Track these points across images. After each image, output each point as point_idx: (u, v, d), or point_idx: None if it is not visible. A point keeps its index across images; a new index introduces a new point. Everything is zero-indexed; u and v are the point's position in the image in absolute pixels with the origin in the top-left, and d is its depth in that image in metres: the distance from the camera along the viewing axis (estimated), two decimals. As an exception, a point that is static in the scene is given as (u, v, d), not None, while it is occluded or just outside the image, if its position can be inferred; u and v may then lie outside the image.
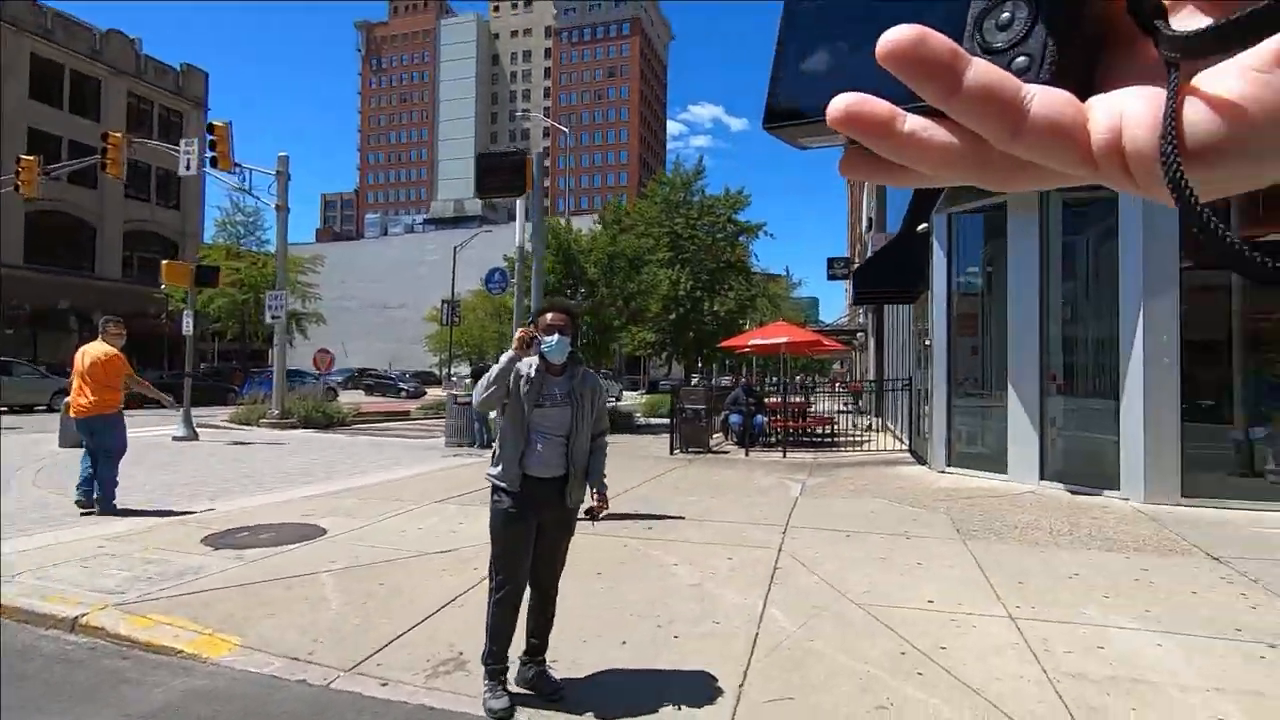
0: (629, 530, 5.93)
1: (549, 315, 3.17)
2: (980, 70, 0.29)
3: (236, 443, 12.88)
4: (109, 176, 18.33)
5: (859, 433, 15.20)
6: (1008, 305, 8.16)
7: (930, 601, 4.23)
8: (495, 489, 3.06)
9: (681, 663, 3.37)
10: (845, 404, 26.05)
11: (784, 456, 11.52)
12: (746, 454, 11.82)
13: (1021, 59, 0.30)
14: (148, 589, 4.27)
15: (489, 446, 13.22)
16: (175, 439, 12.73)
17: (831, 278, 31.87)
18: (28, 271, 30.67)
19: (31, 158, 18.66)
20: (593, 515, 3.26)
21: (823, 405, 18.10)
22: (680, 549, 5.36)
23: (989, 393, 8.85)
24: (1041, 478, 7.81)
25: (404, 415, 22.08)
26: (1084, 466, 7.68)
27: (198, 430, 13.27)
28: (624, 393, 36.09)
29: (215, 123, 16.73)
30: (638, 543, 5.53)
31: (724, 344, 17.03)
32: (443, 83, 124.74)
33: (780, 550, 5.33)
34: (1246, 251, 0.27)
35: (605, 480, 3.29)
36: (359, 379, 39.01)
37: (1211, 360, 7.31)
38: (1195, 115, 0.27)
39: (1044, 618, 3.93)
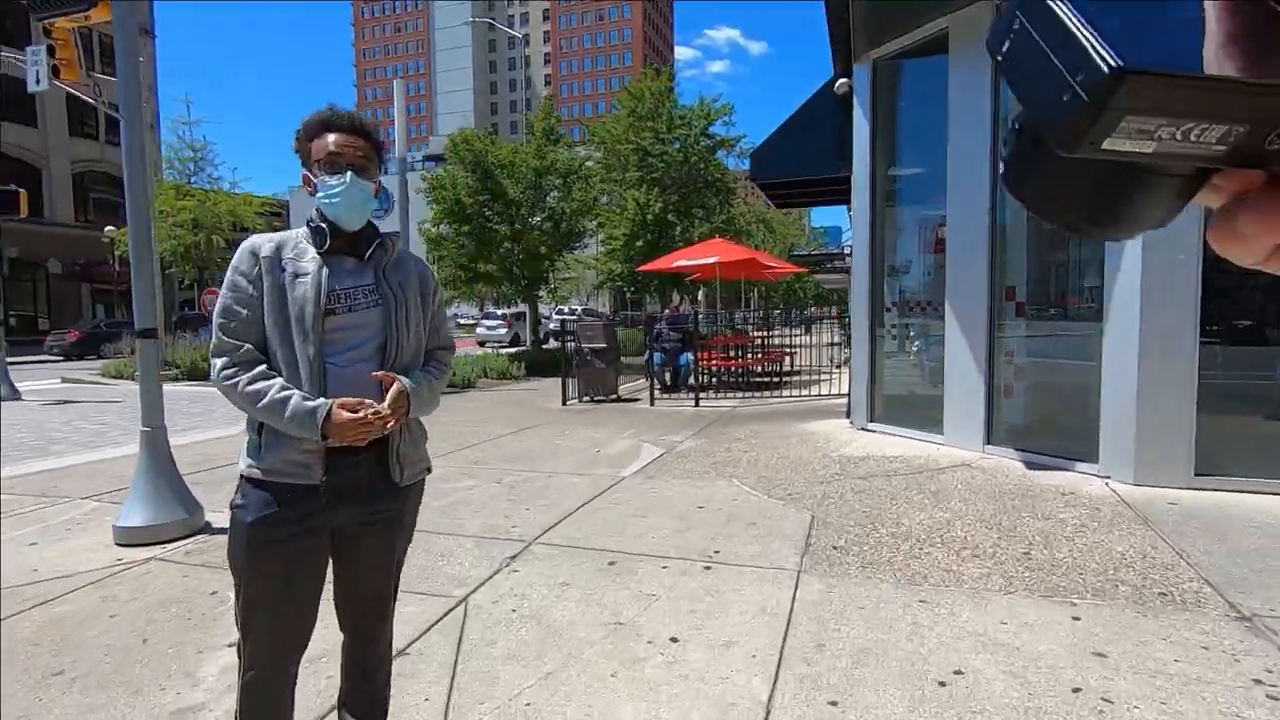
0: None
1: (331, 138, 1.57)
2: None
3: (61, 401, 10.91)
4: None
5: (829, 370, 12.82)
6: (947, 190, 5.53)
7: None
8: (245, 486, 1.55)
9: None
10: (839, 337, 23.53)
11: (696, 405, 9.18)
12: (652, 403, 9.50)
13: None
14: None
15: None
16: (-12, 399, 10.81)
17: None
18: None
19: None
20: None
21: (818, 338, 15.65)
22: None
23: (935, 318, 6.33)
24: (988, 441, 5.36)
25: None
26: (1050, 426, 5.24)
27: (18, 388, 11.33)
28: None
29: (56, 23, 14.15)
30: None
31: (643, 267, 14.42)
32: (437, 8, 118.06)
33: (465, 607, 3.06)
34: None
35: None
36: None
37: (1231, 273, 4.69)
38: None
39: None
